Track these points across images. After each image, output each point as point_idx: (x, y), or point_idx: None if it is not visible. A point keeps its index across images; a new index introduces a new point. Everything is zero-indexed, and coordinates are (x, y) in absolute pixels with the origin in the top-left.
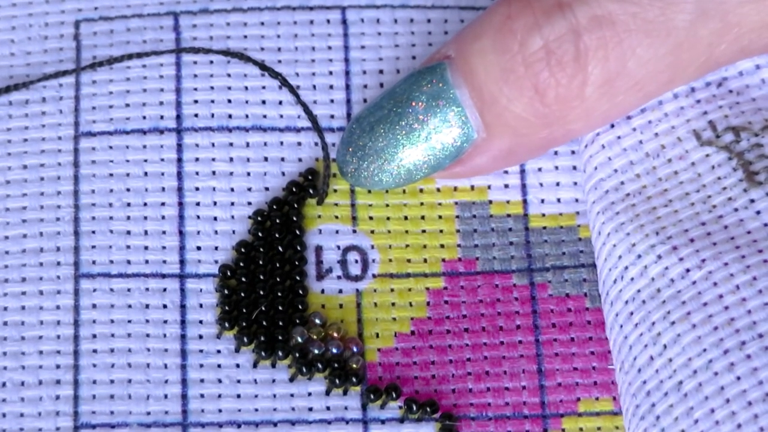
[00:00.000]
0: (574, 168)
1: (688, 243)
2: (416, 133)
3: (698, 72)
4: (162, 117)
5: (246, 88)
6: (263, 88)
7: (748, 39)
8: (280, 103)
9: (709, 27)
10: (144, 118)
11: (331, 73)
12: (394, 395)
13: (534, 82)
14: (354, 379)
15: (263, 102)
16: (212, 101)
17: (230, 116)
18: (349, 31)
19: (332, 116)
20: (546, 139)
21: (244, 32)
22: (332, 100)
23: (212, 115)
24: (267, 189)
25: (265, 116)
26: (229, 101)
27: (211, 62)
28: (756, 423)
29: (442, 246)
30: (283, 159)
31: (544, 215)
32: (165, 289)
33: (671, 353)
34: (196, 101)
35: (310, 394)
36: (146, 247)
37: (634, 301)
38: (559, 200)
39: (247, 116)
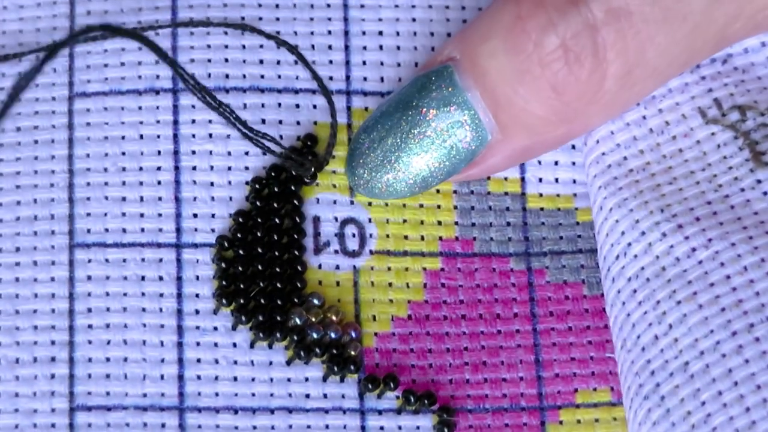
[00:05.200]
0: (573, 147)
1: (694, 222)
2: (429, 140)
3: (712, 51)
4: (158, 77)
5: (243, 46)
6: (261, 46)
7: (762, 16)
8: (278, 62)
9: (724, 8)
10: (139, 77)
11: (330, 32)
12: (392, 385)
13: (552, 82)
14: (352, 367)
15: (261, 62)
16: (209, 60)
17: (227, 76)
18: None
19: (331, 78)
20: (564, 134)
21: None
22: (331, 61)
23: (209, 75)
24: (265, 153)
25: (262, 76)
26: (226, 60)
27: (208, 18)
28: (765, 407)
29: (439, 223)
30: (281, 122)
31: (541, 195)
32: (161, 260)
33: (677, 333)
34: (192, 60)
35: (307, 379)
36: (142, 215)
37: (637, 279)
38: (557, 180)
39: (244, 76)
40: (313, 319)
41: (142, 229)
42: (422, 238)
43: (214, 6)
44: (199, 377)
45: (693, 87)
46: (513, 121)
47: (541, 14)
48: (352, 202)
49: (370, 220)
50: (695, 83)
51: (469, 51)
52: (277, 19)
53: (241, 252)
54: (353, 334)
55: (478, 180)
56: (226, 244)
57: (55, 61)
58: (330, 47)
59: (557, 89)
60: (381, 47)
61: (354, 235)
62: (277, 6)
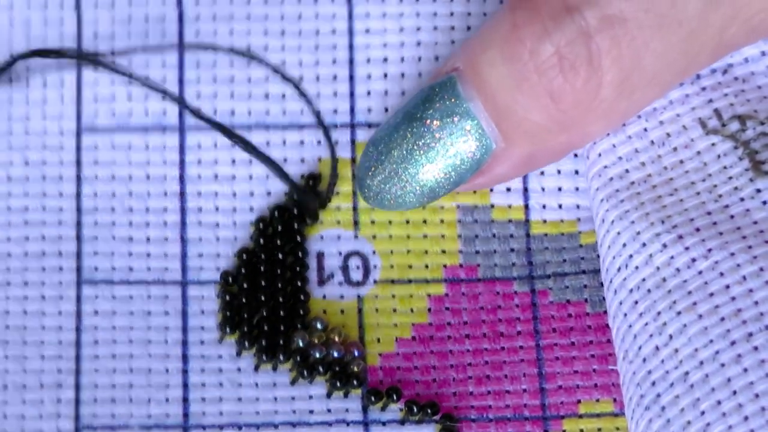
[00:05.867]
0: (577, 172)
1: (694, 232)
2: (435, 151)
3: (711, 57)
4: (165, 112)
5: (249, 79)
6: (267, 79)
7: (758, 19)
8: (283, 96)
9: (720, 12)
10: (146, 113)
11: (334, 61)
12: (395, 397)
13: (549, 89)
14: (355, 382)
15: (266, 96)
16: (215, 95)
17: (233, 112)
18: (353, 11)
19: (335, 111)
20: (565, 143)
21: (248, 10)
22: (335, 93)
23: (215, 112)
24: (269, 193)
25: (267, 112)
26: (232, 95)
27: (215, 49)
28: (763, 416)
29: (443, 252)
30: (285, 159)
31: (545, 222)
32: (167, 296)
33: (677, 343)
34: (199, 95)
35: (311, 396)
36: (148, 254)
37: (638, 290)
38: (560, 206)
39: (249, 113)
40: (316, 341)
41: (149, 268)
42: (426, 266)
43: (220, 33)
44: (203, 399)
45: (693, 98)
46: (514, 129)
47: (536, 22)
48: (356, 237)
49: (374, 252)
50: (696, 94)
51: (470, 60)
52: (283, 48)
53: (244, 285)
54: (356, 353)
55: (481, 208)
56: (230, 279)
57: (63, 88)
58: (335, 77)
59: (554, 97)
60: (385, 75)
61: (358, 267)
62: (282, 33)
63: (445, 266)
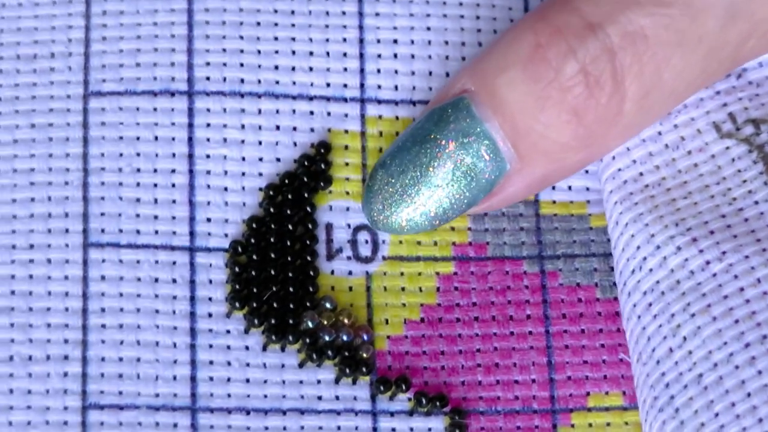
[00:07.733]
0: None
1: (708, 235)
2: (449, 172)
3: (727, 70)
4: (173, 79)
5: (259, 51)
6: (276, 52)
7: None
8: (293, 69)
9: (738, 28)
10: (155, 79)
11: (344, 40)
12: (403, 387)
13: (573, 105)
14: (364, 369)
15: (276, 67)
16: (224, 64)
17: (242, 81)
18: None
19: (345, 85)
20: (583, 159)
21: None
22: (345, 69)
23: (224, 79)
24: (278, 160)
25: (277, 82)
26: (242, 65)
27: (224, 23)
28: None
29: (452, 229)
30: (294, 128)
31: (554, 202)
32: (174, 263)
33: (691, 345)
34: (208, 63)
35: (319, 381)
36: (156, 217)
37: (653, 292)
38: (570, 188)
39: (259, 81)
40: (325, 322)
41: (156, 231)
42: (435, 243)
43: (230, 10)
44: (211, 378)
45: (708, 102)
46: (532, 149)
47: (561, 42)
48: None
49: None
50: (710, 98)
51: (485, 82)
52: (293, 25)
53: (254, 257)
54: (365, 337)
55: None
56: (239, 249)
57: (70, 59)
58: (345, 54)
59: (578, 113)
60: (395, 56)
61: (367, 242)
62: (292, 12)
63: (454, 244)
